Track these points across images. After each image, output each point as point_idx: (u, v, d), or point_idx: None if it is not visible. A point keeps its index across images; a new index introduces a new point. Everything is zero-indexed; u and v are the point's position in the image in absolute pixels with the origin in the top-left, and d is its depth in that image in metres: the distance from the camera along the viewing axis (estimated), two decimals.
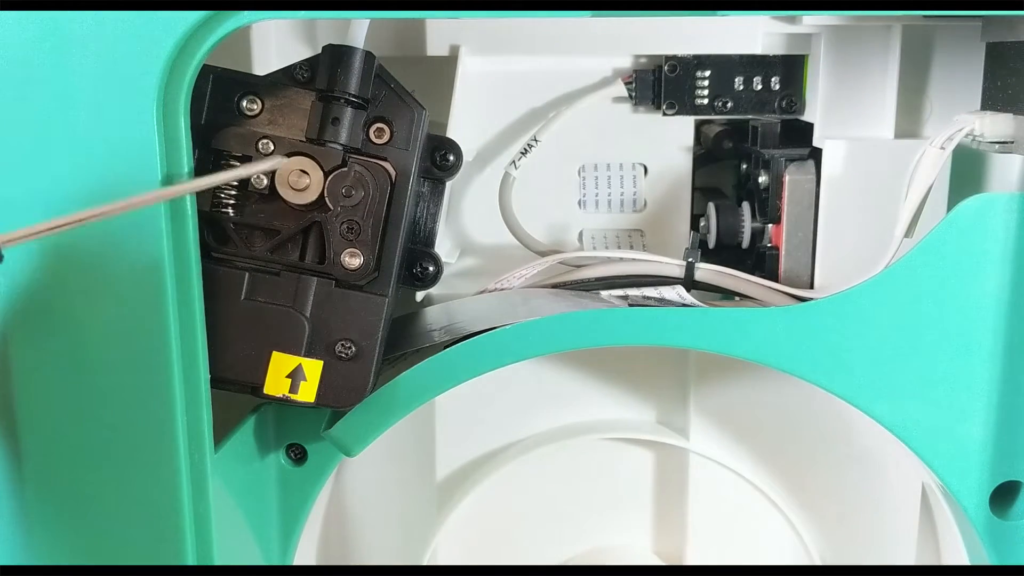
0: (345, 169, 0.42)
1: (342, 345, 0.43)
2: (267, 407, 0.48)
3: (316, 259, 0.43)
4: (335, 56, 0.41)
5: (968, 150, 0.46)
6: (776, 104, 0.53)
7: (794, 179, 0.51)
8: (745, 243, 0.54)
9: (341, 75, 0.41)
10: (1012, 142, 0.44)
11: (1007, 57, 0.45)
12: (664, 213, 0.55)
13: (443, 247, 0.52)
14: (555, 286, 0.50)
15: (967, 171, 0.51)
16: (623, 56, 0.53)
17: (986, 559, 0.45)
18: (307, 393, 0.42)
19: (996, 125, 0.44)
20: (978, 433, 0.44)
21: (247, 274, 0.42)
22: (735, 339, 0.44)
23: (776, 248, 0.52)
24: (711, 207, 0.54)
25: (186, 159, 0.38)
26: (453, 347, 0.45)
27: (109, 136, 0.37)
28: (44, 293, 0.38)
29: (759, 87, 0.53)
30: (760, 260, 0.53)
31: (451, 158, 0.45)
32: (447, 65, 0.51)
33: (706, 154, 0.56)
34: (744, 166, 0.55)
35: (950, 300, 0.43)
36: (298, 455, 0.49)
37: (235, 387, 0.43)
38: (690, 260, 0.49)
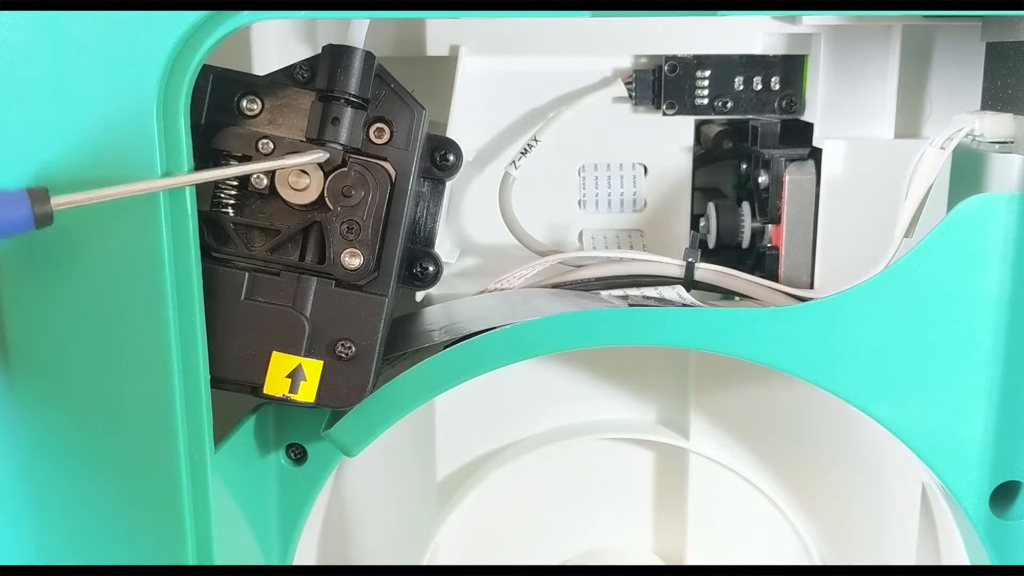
0: (345, 169, 0.42)
1: (342, 345, 0.43)
2: (267, 407, 0.48)
3: (316, 259, 0.43)
4: (335, 56, 0.41)
5: (968, 150, 0.46)
6: (776, 104, 0.53)
7: (794, 179, 0.51)
8: (745, 243, 0.54)
9: (341, 75, 0.41)
10: (1012, 142, 0.44)
11: (1007, 57, 0.45)
12: (664, 213, 0.55)
13: (443, 247, 0.52)
14: (555, 286, 0.50)
15: (967, 171, 0.51)
16: (623, 56, 0.53)
17: (986, 559, 0.45)
18: (307, 393, 0.42)
19: (996, 125, 0.44)
20: (978, 433, 0.44)
21: (247, 274, 0.42)
22: (735, 339, 0.44)
23: (776, 248, 0.52)
24: (711, 207, 0.54)
25: (186, 159, 0.38)
26: (453, 347, 0.45)
27: (109, 136, 0.37)
28: (44, 293, 0.38)
29: (759, 87, 0.53)
30: (760, 260, 0.53)
31: (451, 158, 0.45)
32: (447, 65, 0.51)
33: (706, 154, 0.56)
34: (744, 166, 0.55)
35: (950, 300, 0.43)
36: (298, 455, 0.49)
37: (235, 387, 0.43)
38: (690, 260, 0.49)
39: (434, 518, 0.58)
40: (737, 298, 0.50)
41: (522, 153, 0.52)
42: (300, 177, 0.42)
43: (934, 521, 0.56)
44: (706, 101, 0.53)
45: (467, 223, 0.55)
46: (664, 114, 0.53)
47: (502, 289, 0.51)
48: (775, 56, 0.52)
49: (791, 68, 0.53)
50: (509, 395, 0.57)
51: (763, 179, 0.52)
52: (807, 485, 0.58)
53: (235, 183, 0.42)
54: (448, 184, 0.47)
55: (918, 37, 0.51)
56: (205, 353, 0.40)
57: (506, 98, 0.53)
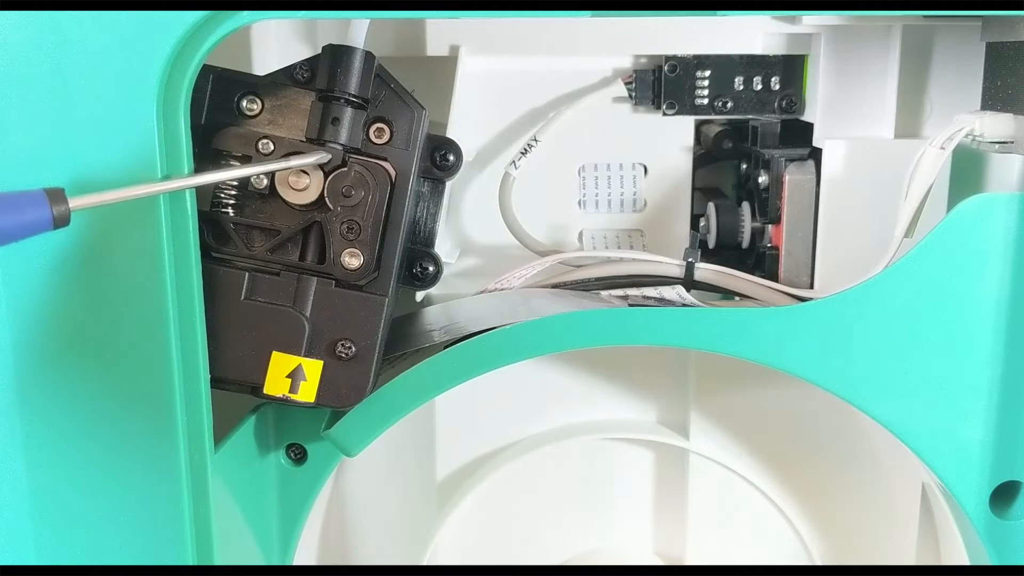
0: (345, 169, 0.42)
1: (342, 345, 0.43)
2: (267, 407, 0.48)
3: (316, 259, 0.43)
4: (335, 56, 0.41)
5: (968, 150, 0.46)
6: (776, 104, 0.53)
7: (794, 179, 0.51)
8: (745, 243, 0.54)
9: (341, 75, 0.41)
10: (1012, 142, 0.44)
11: (1007, 57, 0.45)
12: (664, 213, 0.55)
13: (443, 247, 0.52)
14: (555, 286, 0.50)
15: (967, 171, 0.51)
16: (623, 56, 0.53)
17: (986, 559, 0.45)
18: (307, 393, 0.42)
19: (996, 125, 0.44)
20: (978, 433, 0.44)
21: (247, 274, 0.42)
22: (735, 339, 0.44)
23: (776, 248, 0.52)
24: (711, 207, 0.54)
25: (186, 159, 0.38)
26: (453, 347, 0.45)
27: (109, 136, 0.37)
28: (45, 293, 0.38)
29: (759, 87, 0.53)
30: (760, 260, 0.53)
31: (451, 158, 0.45)
32: (447, 65, 0.51)
33: (706, 154, 0.56)
34: (744, 166, 0.55)
35: (950, 300, 0.43)
36: (298, 455, 0.49)
37: (235, 387, 0.43)
38: (690, 260, 0.49)
39: (434, 518, 0.58)
40: (737, 298, 0.50)
41: (522, 153, 0.52)
42: (300, 177, 0.42)
43: (934, 521, 0.56)
44: (706, 101, 0.53)
45: (467, 223, 0.55)
46: (664, 114, 0.53)
47: (502, 289, 0.51)
48: (775, 56, 0.52)
49: (791, 68, 0.53)
50: (509, 395, 0.57)
51: (763, 179, 0.52)
52: (807, 485, 0.58)
53: (235, 183, 0.42)
54: (448, 184, 0.47)
55: (918, 37, 0.51)
56: (205, 353, 0.40)
57: (506, 98, 0.53)
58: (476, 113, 0.53)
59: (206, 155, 0.42)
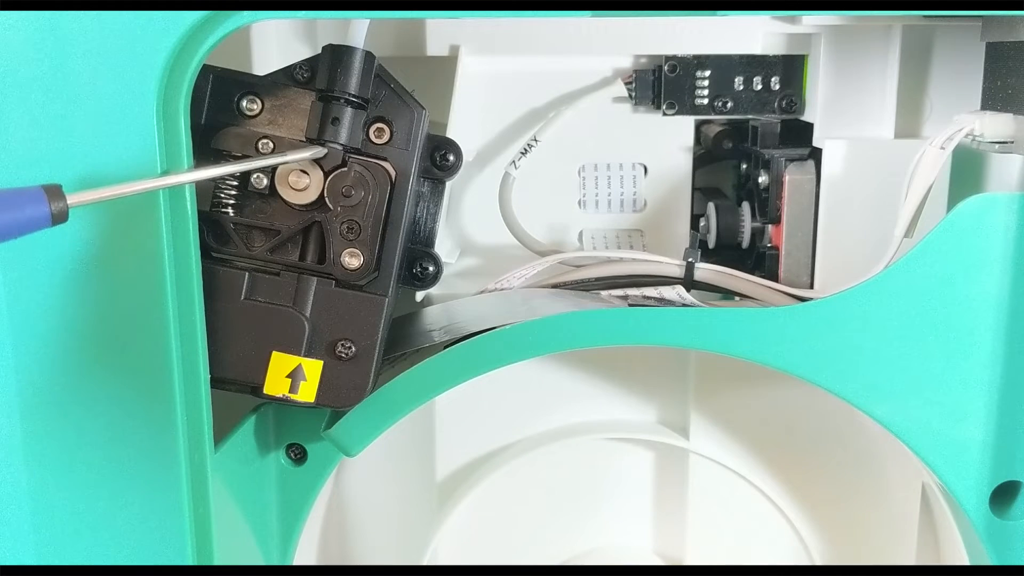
0: (345, 169, 0.42)
1: (342, 345, 0.43)
2: (267, 407, 0.48)
3: (316, 259, 0.43)
4: (335, 56, 0.41)
5: (968, 150, 0.46)
6: (776, 104, 0.53)
7: (794, 179, 0.51)
8: (745, 243, 0.54)
9: (341, 75, 0.41)
10: (1012, 142, 0.44)
11: (1007, 57, 0.45)
12: (664, 213, 0.55)
13: (443, 247, 0.52)
14: (555, 286, 0.50)
15: (967, 171, 0.51)
16: (623, 56, 0.53)
17: (986, 559, 0.45)
18: (307, 393, 0.42)
19: (996, 125, 0.44)
20: (978, 433, 0.44)
21: (247, 274, 0.42)
22: (735, 339, 0.44)
23: (776, 248, 0.52)
24: (711, 207, 0.54)
25: (186, 159, 0.38)
26: (453, 347, 0.45)
27: (109, 136, 0.37)
28: (45, 293, 0.38)
29: (759, 87, 0.53)
30: (760, 260, 0.53)
31: (451, 158, 0.45)
32: (447, 65, 0.51)
33: (706, 154, 0.56)
34: (744, 166, 0.55)
35: (950, 300, 0.43)
36: (298, 455, 0.49)
37: (235, 387, 0.43)
38: (690, 260, 0.48)
39: (434, 518, 0.58)
40: (737, 298, 0.50)
41: (522, 153, 0.52)
42: (300, 177, 0.42)
43: (934, 521, 0.56)
44: (706, 101, 0.53)
45: (467, 223, 0.55)
46: (664, 114, 0.53)
47: (502, 289, 0.51)
48: (775, 56, 0.52)
49: (791, 68, 0.53)
50: (509, 395, 0.57)
51: (763, 179, 0.52)
52: (807, 485, 0.58)
53: (235, 183, 0.42)
54: (448, 184, 0.47)
55: (918, 37, 0.51)
56: (205, 353, 0.40)
57: (506, 98, 0.53)
58: (476, 113, 0.53)
59: (206, 155, 0.42)
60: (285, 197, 0.42)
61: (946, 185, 0.49)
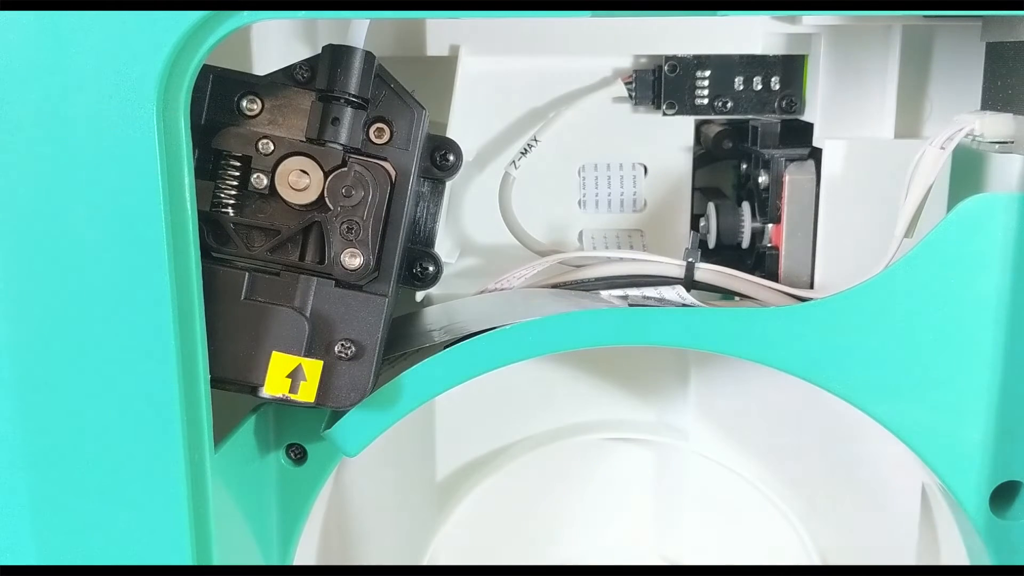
0: (345, 169, 0.42)
1: (342, 345, 0.43)
2: (267, 407, 0.48)
3: (316, 259, 0.43)
4: (335, 56, 0.41)
5: (968, 150, 0.46)
6: (776, 104, 0.53)
7: (794, 179, 0.51)
8: (745, 243, 0.54)
9: (341, 75, 0.41)
10: (1012, 142, 0.44)
11: (1007, 57, 0.45)
12: (664, 213, 0.55)
13: (443, 247, 0.52)
14: (555, 286, 0.50)
15: (967, 171, 0.51)
16: (623, 56, 0.53)
17: (986, 559, 0.45)
18: (307, 393, 0.42)
19: (996, 125, 0.44)
20: (978, 433, 0.44)
21: (247, 274, 0.42)
22: (735, 339, 0.44)
23: (776, 248, 0.52)
24: (711, 207, 0.54)
25: (186, 159, 0.38)
26: (453, 347, 0.45)
27: (109, 136, 0.37)
28: (45, 293, 0.38)
29: (759, 87, 0.53)
30: (760, 260, 0.53)
31: (451, 158, 0.45)
32: (447, 65, 0.51)
33: (706, 154, 0.56)
34: (744, 166, 0.55)
35: (950, 300, 0.43)
36: (298, 455, 0.49)
37: (235, 387, 0.43)
38: (690, 260, 0.48)
39: (434, 518, 0.58)
40: (737, 298, 0.50)
41: (522, 153, 0.52)
42: (300, 177, 0.42)
43: (934, 521, 0.56)
44: (706, 101, 0.53)
45: (467, 223, 0.55)
46: (664, 114, 0.53)
47: (502, 289, 0.51)
48: (775, 56, 0.52)
49: (791, 68, 0.53)
50: (509, 395, 0.57)
51: (763, 179, 0.52)
52: (807, 485, 0.58)
53: (235, 183, 0.42)
54: (448, 184, 0.47)
55: (918, 37, 0.51)
56: (205, 353, 0.40)
57: (506, 98, 0.53)
58: (476, 113, 0.53)
59: (206, 155, 0.42)
60: (285, 197, 0.42)
61: (946, 185, 0.49)
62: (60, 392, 0.39)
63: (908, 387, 0.44)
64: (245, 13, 0.37)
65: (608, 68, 0.53)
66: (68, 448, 0.40)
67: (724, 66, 0.53)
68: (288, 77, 0.42)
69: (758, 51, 0.52)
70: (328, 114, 0.41)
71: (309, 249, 0.43)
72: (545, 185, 0.54)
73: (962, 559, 0.48)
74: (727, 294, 0.50)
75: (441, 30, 0.51)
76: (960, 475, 0.44)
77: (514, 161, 0.52)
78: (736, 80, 0.53)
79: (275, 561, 0.49)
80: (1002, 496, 0.45)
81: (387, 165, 0.43)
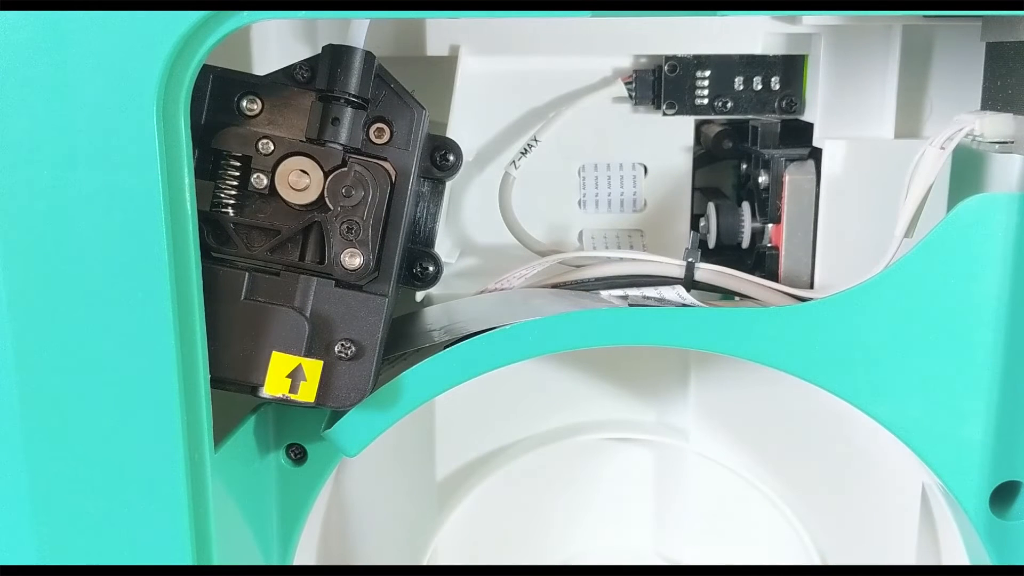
0: (345, 169, 0.42)
1: (342, 345, 0.43)
2: (267, 407, 0.48)
3: (316, 259, 0.43)
4: (335, 56, 0.41)
5: (968, 150, 0.46)
6: (776, 104, 0.53)
7: (794, 179, 0.51)
8: (745, 243, 0.54)
9: (341, 75, 0.41)
10: (1012, 142, 0.44)
11: (1007, 57, 0.45)
12: (664, 213, 0.55)
13: (443, 247, 0.52)
14: (555, 286, 0.50)
15: (967, 171, 0.51)
16: (623, 56, 0.53)
17: (986, 559, 0.45)
18: (307, 393, 0.42)
19: (996, 125, 0.44)
20: (978, 433, 0.44)
21: (247, 274, 0.42)
22: (735, 339, 0.44)
23: (776, 248, 0.52)
24: (711, 207, 0.54)
25: (186, 159, 0.38)
26: (453, 347, 0.45)
27: (109, 136, 0.37)
28: (45, 293, 0.38)
29: (759, 87, 0.53)
30: (760, 260, 0.53)
31: (451, 158, 0.45)
32: (447, 65, 0.51)
33: (706, 154, 0.56)
34: (744, 166, 0.55)
35: (950, 300, 0.43)
36: (298, 455, 0.49)
37: (235, 387, 0.43)
38: (690, 260, 0.49)
39: (434, 518, 0.58)
40: (737, 298, 0.50)
41: (522, 153, 0.52)
42: (300, 177, 0.42)
43: (934, 521, 0.56)
44: (706, 101, 0.53)
45: (467, 223, 0.55)
46: (664, 114, 0.53)
47: (502, 289, 0.51)
48: (775, 56, 0.52)
49: (791, 68, 0.53)
50: (509, 395, 0.57)
51: (763, 179, 0.52)
52: (807, 485, 0.58)
53: (235, 183, 0.42)
54: (448, 184, 0.47)
55: (918, 37, 0.51)
56: (205, 353, 0.40)
57: (506, 98, 0.53)
58: (476, 113, 0.53)
59: (206, 155, 0.42)
60: (285, 197, 0.42)
61: (946, 185, 0.49)
62: (60, 392, 0.39)
63: (908, 387, 0.44)
64: (245, 13, 0.37)
65: (608, 68, 0.53)
66: (68, 448, 0.40)
67: (724, 66, 0.53)
68: (288, 77, 0.42)
69: (758, 51, 0.52)
70: (328, 114, 0.41)
71: (309, 249, 0.43)
72: (545, 185, 0.54)
73: (962, 559, 0.48)
74: (727, 294, 0.50)
75: (441, 30, 0.51)
76: (960, 475, 0.44)
77: (514, 161, 0.52)
78: (736, 80, 0.53)
79: (275, 561, 0.49)
80: (1002, 496, 0.45)
81: (387, 165, 0.43)
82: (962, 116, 0.44)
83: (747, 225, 0.53)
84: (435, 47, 0.51)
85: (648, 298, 0.48)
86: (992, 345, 0.43)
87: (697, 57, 0.52)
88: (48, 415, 0.39)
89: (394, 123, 0.43)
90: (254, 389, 0.43)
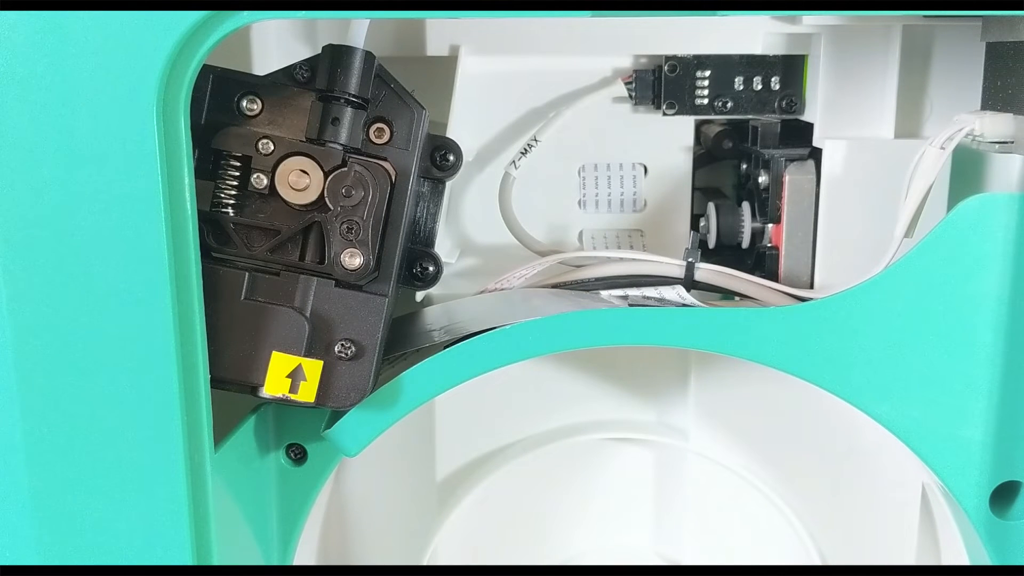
0: (345, 169, 0.42)
1: (342, 345, 0.43)
2: (267, 407, 0.48)
3: (316, 259, 0.43)
4: (335, 56, 0.41)
5: (968, 150, 0.46)
6: (776, 104, 0.53)
7: (794, 179, 0.51)
8: (745, 243, 0.54)
9: (341, 75, 0.41)
10: (1012, 142, 0.44)
11: (1007, 57, 0.45)
12: (664, 213, 0.55)
13: (443, 247, 0.52)
14: (555, 286, 0.50)
15: (967, 171, 0.51)
16: (623, 56, 0.53)
17: (986, 559, 0.45)
18: (307, 393, 0.42)
19: (996, 125, 0.44)
20: (978, 433, 0.44)
21: (247, 274, 0.42)
22: (735, 339, 0.44)
23: (776, 248, 0.52)
24: (711, 207, 0.54)
25: (186, 159, 0.38)
26: (453, 347, 0.45)
27: (109, 136, 0.37)
28: (44, 293, 0.38)
29: (759, 87, 0.53)
30: (760, 260, 0.53)
31: (451, 158, 0.45)
32: (447, 65, 0.51)
33: (706, 154, 0.56)
34: (744, 166, 0.55)
35: (950, 300, 0.43)
36: (298, 455, 0.49)
37: (235, 387, 0.43)
38: (690, 260, 0.49)
39: (434, 518, 0.58)
40: (737, 298, 0.50)
41: (522, 153, 0.52)
42: (300, 177, 0.42)
43: (934, 521, 0.56)
44: (706, 101, 0.53)
45: (467, 223, 0.55)
46: (664, 114, 0.53)
47: (502, 289, 0.51)
48: (775, 56, 0.52)
49: (791, 68, 0.53)
50: (509, 395, 0.57)
51: (763, 179, 0.52)
52: (807, 485, 0.58)
53: (235, 183, 0.42)
54: (448, 184, 0.47)
55: (918, 37, 0.51)
56: (205, 353, 0.40)
57: (506, 98, 0.53)
58: (476, 113, 0.53)
59: (206, 155, 0.42)
60: (285, 197, 0.42)
61: (946, 185, 0.49)
62: (60, 392, 0.39)
63: (908, 387, 0.44)
64: (245, 13, 0.37)
65: (608, 68, 0.53)
66: (68, 448, 0.40)
67: (724, 66, 0.53)
68: (288, 77, 0.42)
69: (758, 51, 0.52)
70: (328, 114, 0.41)
71: (309, 249, 0.43)
72: (545, 185, 0.54)
73: (962, 559, 0.48)
74: (727, 294, 0.50)
75: (441, 30, 0.51)
76: (960, 475, 0.44)
77: (514, 161, 0.52)
78: (736, 80, 0.53)
79: (275, 561, 0.49)
80: (1002, 496, 0.45)
81: (387, 165, 0.43)
82: (962, 116, 0.44)
83: (747, 225, 0.53)
84: (435, 47, 0.51)
85: (648, 298, 0.48)
86: (992, 345, 0.43)
87: (697, 57, 0.52)
88: (48, 415, 0.39)
89: (394, 123, 0.43)
90: (254, 389, 0.43)
